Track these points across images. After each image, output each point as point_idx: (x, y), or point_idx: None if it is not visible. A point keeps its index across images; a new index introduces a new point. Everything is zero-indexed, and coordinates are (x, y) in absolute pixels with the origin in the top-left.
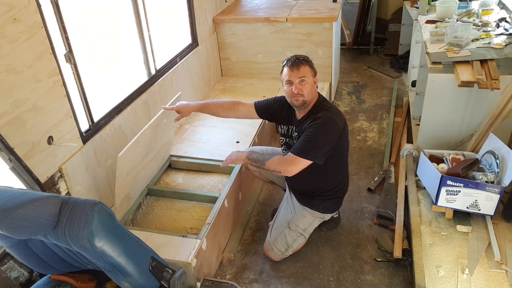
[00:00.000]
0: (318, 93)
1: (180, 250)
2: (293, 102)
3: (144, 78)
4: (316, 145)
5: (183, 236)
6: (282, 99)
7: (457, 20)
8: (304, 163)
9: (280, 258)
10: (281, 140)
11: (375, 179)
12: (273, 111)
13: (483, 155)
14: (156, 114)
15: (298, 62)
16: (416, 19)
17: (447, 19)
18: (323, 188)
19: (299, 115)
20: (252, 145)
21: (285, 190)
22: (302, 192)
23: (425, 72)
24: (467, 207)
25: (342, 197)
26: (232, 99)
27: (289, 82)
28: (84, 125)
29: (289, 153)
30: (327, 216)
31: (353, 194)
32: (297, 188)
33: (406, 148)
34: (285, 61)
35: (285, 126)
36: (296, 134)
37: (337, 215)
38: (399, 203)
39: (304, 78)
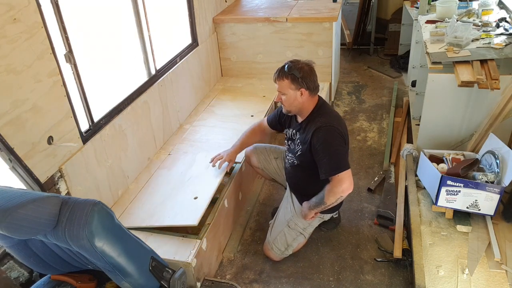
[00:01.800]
0: (319, 96)
1: (180, 250)
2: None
3: (144, 78)
4: (342, 153)
5: (183, 236)
6: None
7: (457, 20)
8: (347, 174)
9: (280, 257)
10: (285, 143)
11: (375, 179)
12: (280, 120)
13: (483, 155)
14: (156, 114)
15: (279, 75)
16: (416, 19)
17: (447, 19)
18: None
19: (300, 118)
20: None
21: (286, 188)
22: (302, 193)
23: (425, 72)
24: (467, 207)
25: (342, 201)
26: (252, 125)
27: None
28: (84, 125)
29: (330, 178)
30: (327, 216)
31: (353, 194)
32: (297, 189)
33: (406, 148)
34: None
35: (289, 130)
36: (298, 137)
37: (337, 215)
38: (399, 203)
39: (281, 92)
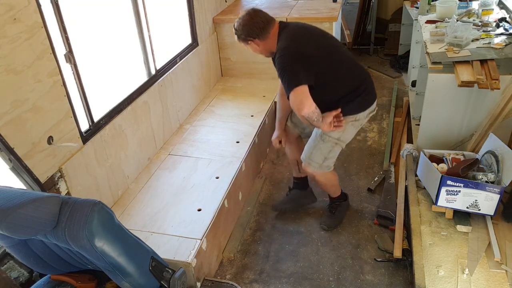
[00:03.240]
0: (280, 24)
1: (180, 250)
2: None
3: (144, 78)
4: (292, 73)
5: (183, 236)
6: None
7: (457, 20)
8: (301, 90)
9: (321, 171)
10: None
11: (375, 179)
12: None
13: (483, 155)
14: (156, 114)
15: (236, 39)
16: (416, 19)
17: (447, 19)
18: (340, 95)
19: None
20: (251, 146)
21: None
22: (327, 108)
23: (425, 72)
24: (467, 207)
25: (369, 93)
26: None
27: None
28: (84, 125)
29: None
30: (360, 116)
31: (353, 194)
32: (321, 108)
33: (406, 148)
34: None
35: None
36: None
37: (374, 112)
38: (399, 203)
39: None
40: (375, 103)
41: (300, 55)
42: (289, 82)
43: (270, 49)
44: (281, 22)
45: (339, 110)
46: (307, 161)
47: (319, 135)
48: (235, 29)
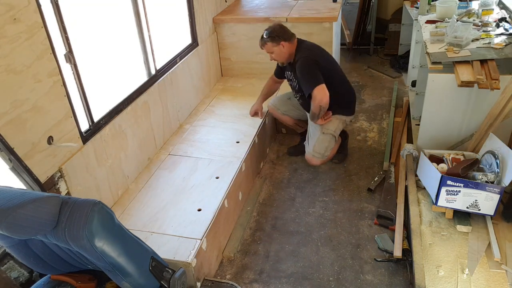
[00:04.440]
0: (297, 39)
1: (180, 250)
2: None
3: (144, 78)
4: (312, 75)
5: (183, 236)
6: None
7: (457, 20)
8: (322, 87)
9: (322, 161)
10: (289, 83)
11: (375, 179)
12: (281, 68)
13: (483, 155)
14: (156, 114)
15: (263, 42)
16: (416, 19)
17: (447, 19)
18: (334, 103)
19: (291, 61)
20: (251, 146)
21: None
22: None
23: (425, 72)
24: (467, 207)
25: (353, 102)
26: (268, 81)
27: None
28: (84, 125)
29: (310, 94)
30: (348, 119)
31: (353, 194)
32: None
33: (406, 148)
34: None
35: (287, 72)
36: (293, 75)
37: (353, 119)
38: (399, 203)
39: (270, 53)
40: (353, 115)
41: (317, 62)
42: (312, 81)
43: (291, 54)
44: (298, 38)
45: (330, 113)
46: (312, 154)
47: (319, 130)
48: (270, 32)
